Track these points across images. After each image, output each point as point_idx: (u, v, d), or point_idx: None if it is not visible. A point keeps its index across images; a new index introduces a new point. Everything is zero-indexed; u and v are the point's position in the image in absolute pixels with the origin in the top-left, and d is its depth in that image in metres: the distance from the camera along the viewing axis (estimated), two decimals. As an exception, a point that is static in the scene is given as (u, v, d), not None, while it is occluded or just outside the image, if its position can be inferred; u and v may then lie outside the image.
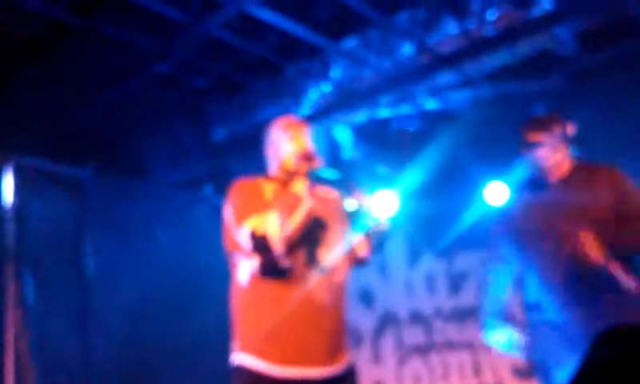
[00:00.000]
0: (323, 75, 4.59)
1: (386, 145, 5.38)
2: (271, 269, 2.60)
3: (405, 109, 4.74)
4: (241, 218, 2.61)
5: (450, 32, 4.15)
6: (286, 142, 2.77)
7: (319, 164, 2.70)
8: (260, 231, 2.52)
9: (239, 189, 2.71)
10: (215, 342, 5.46)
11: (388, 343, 6.19)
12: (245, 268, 2.68)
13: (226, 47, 4.33)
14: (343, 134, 5.06)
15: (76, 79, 4.24)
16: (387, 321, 6.23)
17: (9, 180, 4.73)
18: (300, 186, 2.62)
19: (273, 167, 2.83)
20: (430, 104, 4.68)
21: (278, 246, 2.52)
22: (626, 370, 0.87)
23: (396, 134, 5.18)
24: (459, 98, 4.60)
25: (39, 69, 4.19)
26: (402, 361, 6.06)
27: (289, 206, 2.58)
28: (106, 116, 4.65)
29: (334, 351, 2.66)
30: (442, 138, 4.99)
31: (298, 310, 2.61)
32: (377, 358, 6.24)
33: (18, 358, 4.54)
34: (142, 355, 5.15)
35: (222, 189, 5.62)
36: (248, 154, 5.12)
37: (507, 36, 4.03)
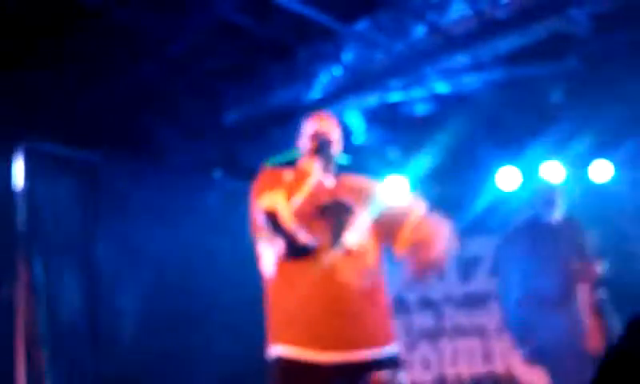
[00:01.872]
0: (335, 58, 4.56)
1: (398, 129, 5.35)
2: (293, 249, 2.60)
3: (417, 92, 4.71)
4: (255, 198, 2.68)
5: (462, 14, 4.12)
6: (306, 133, 2.84)
7: (335, 149, 2.76)
8: (270, 208, 2.57)
9: (261, 175, 2.78)
10: (230, 326, 5.48)
11: (397, 328, 6.17)
12: (268, 256, 2.70)
13: (238, 30, 4.30)
14: (354, 119, 5.03)
15: (89, 62, 4.23)
16: (396, 306, 6.21)
17: (20, 164, 4.72)
18: (310, 164, 2.69)
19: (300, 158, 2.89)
20: (442, 87, 4.64)
21: (288, 221, 2.54)
22: None
23: (407, 118, 5.15)
24: (472, 81, 4.56)
25: (51, 52, 4.17)
26: (410, 346, 6.05)
27: (298, 182, 2.63)
28: (118, 99, 4.63)
29: (362, 336, 2.61)
30: (453, 121, 4.96)
31: (321, 292, 2.59)
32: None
33: (28, 343, 4.54)
34: (154, 339, 5.15)
35: (233, 173, 5.62)
36: (260, 137, 5.10)
37: (520, 18, 3.99)
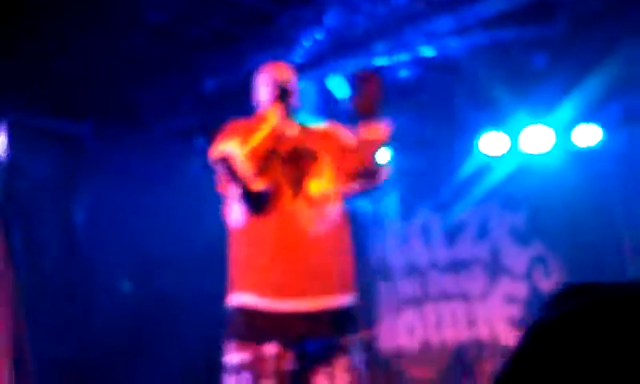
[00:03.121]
0: (316, 22, 4.47)
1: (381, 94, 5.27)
2: (247, 194, 2.59)
3: (400, 56, 4.63)
4: (214, 148, 2.69)
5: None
6: (265, 82, 2.82)
7: (295, 100, 2.75)
8: (223, 153, 2.58)
9: (222, 129, 2.76)
10: (210, 296, 5.45)
11: (381, 295, 6.17)
12: (235, 210, 2.70)
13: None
14: (337, 84, 4.95)
15: (70, 32, 4.14)
16: (381, 273, 6.20)
17: (2, 136, 4.68)
18: (270, 112, 2.67)
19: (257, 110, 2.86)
20: (426, 51, 4.57)
21: (242, 165, 2.53)
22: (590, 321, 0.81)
23: (391, 83, 5.07)
24: (456, 45, 4.48)
25: (32, 23, 4.08)
26: (395, 312, 6.05)
27: (254, 128, 2.62)
28: (100, 68, 4.56)
29: (318, 285, 2.62)
30: (437, 87, 4.89)
31: (285, 241, 2.61)
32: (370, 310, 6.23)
33: (9, 312, 4.51)
34: (137, 308, 5.13)
35: (214, 139, 5.56)
36: (239, 104, 5.02)
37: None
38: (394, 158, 5.60)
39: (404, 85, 5.00)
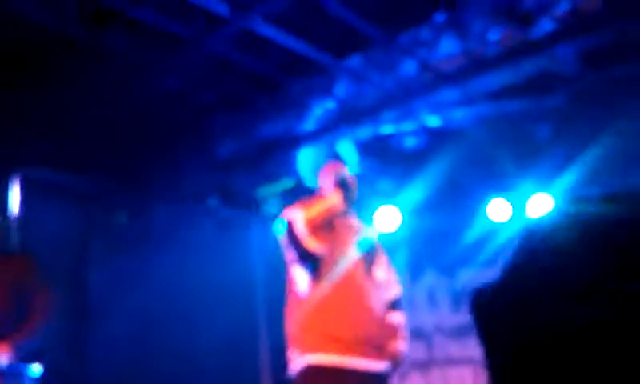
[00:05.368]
0: (327, 92, 4.63)
1: (389, 161, 5.42)
2: (302, 254, 2.89)
3: (407, 125, 4.78)
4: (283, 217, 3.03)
5: (451, 51, 4.20)
6: (328, 173, 3.15)
7: (354, 195, 3.13)
8: (289, 218, 2.91)
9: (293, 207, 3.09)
10: (222, 357, 5.50)
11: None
12: (302, 276, 3.00)
13: (230, 64, 4.38)
14: (347, 150, 5.10)
15: (83, 92, 4.29)
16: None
17: (16, 190, 4.78)
18: (331, 193, 3.05)
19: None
20: (433, 121, 4.72)
21: (300, 225, 2.85)
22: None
23: (398, 151, 5.22)
24: (461, 115, 4.63)
25: (46, 80, 4.23)
26: (402, 377, 6.06)
27: (316, 202, 3.00)
28: (112, 130, 4.70)
29: (380, 354, 3.00)
30: (444, 154, 5.02)
31: (357, 310, 2.98)
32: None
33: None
34: (144, 368, 5.15)
35: (227, 202, 5.68)
36: (252, 169, 5.17)
37: (508, 56, 4.07)
38: (402, 222, 5.71)
39: (411, 152, 5.14)
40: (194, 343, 5.46)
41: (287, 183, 5.45)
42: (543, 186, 5.07)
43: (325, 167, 3.20)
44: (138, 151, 5.00)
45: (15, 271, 4.01)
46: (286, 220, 2.93)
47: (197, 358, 5.44)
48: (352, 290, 2.98)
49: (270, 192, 5.66)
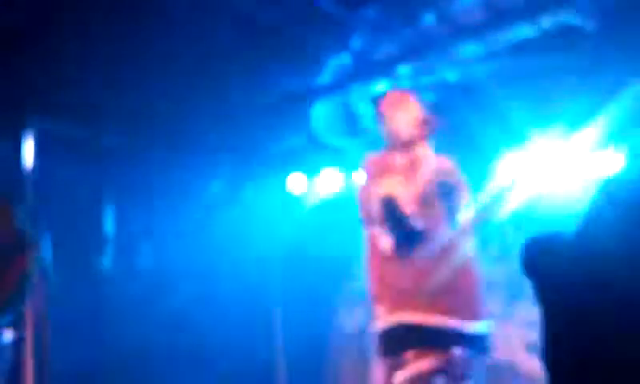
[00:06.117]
0: (343, 45, 4.55)
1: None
2: (404, 234, 2.77)
3: (425, 80, 4.69)
4: (370, 183, 2.87)
5: (471, 2, 4.10)
6: (395, 116, 2.94)
7: (433, 129, 2.95)
8: (389, 194, 2.72)
9: (369, 161, 2.95)
10: (231, 314, 5.49)
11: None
12: (386, 239, 2.85)
13: (245, 16, 4.30)
14: (363, 105, 5.03)
15: (100, 45, 4.23)
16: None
17: (29, 144, 4.75)
18: (421, 148, 2.88)
19: (389, 141, 2.97)
20: (451, 76, 4.63)
21: (407, 207, 2.71)
22: None
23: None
24: (481, 70, 4.54)
25: (65, 32, 4.16)
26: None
27: (413, 167, 2.82)
28: (130, 83, 4.64)
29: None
30: (461, 110, 4.94)
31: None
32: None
33: (36, 324, 4.57)
34: (158, 323, 5.18)
35: (241, 160, 5.62)
36: (270, 125, 5.11)
37: (530, 8, 3.98)
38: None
39: (429, 106, 5.06)
40: (206, 298, 5.47)
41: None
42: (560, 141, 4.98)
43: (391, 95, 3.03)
44: (155, 106, 4.93)
45: None
46: (384, 196, 2.75)
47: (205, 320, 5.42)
48: (444, 254, 2.85)
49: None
